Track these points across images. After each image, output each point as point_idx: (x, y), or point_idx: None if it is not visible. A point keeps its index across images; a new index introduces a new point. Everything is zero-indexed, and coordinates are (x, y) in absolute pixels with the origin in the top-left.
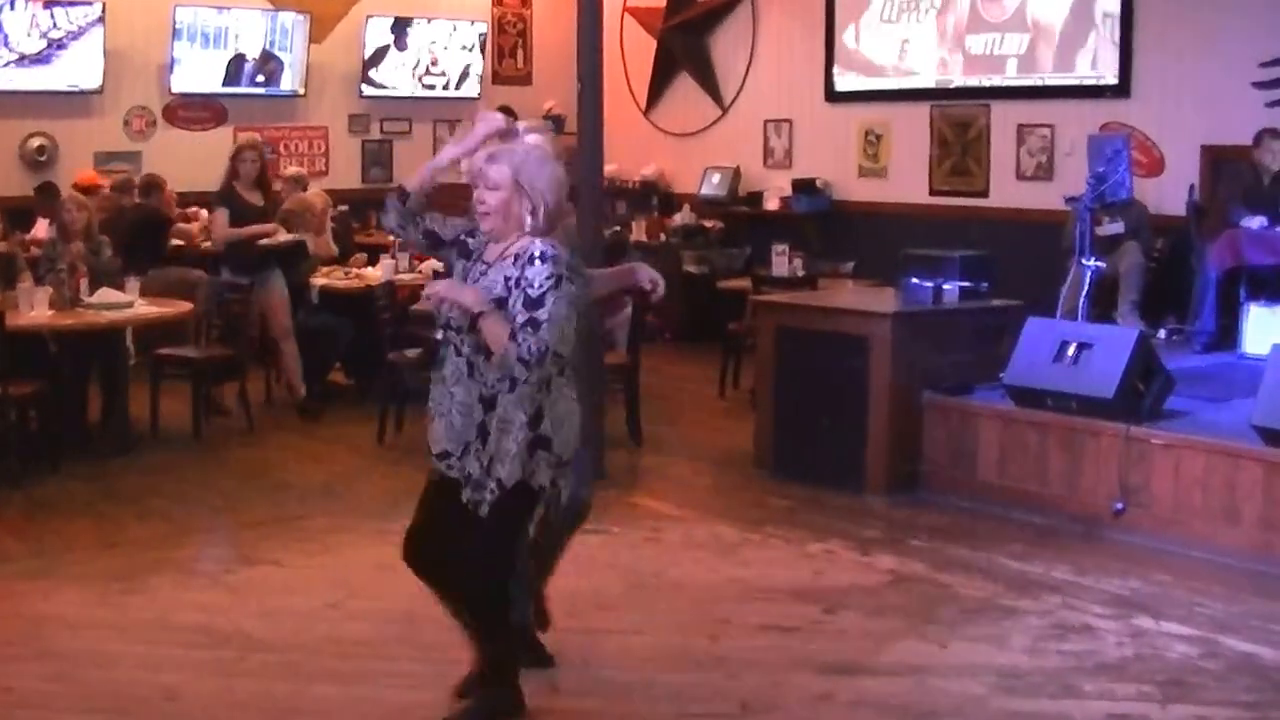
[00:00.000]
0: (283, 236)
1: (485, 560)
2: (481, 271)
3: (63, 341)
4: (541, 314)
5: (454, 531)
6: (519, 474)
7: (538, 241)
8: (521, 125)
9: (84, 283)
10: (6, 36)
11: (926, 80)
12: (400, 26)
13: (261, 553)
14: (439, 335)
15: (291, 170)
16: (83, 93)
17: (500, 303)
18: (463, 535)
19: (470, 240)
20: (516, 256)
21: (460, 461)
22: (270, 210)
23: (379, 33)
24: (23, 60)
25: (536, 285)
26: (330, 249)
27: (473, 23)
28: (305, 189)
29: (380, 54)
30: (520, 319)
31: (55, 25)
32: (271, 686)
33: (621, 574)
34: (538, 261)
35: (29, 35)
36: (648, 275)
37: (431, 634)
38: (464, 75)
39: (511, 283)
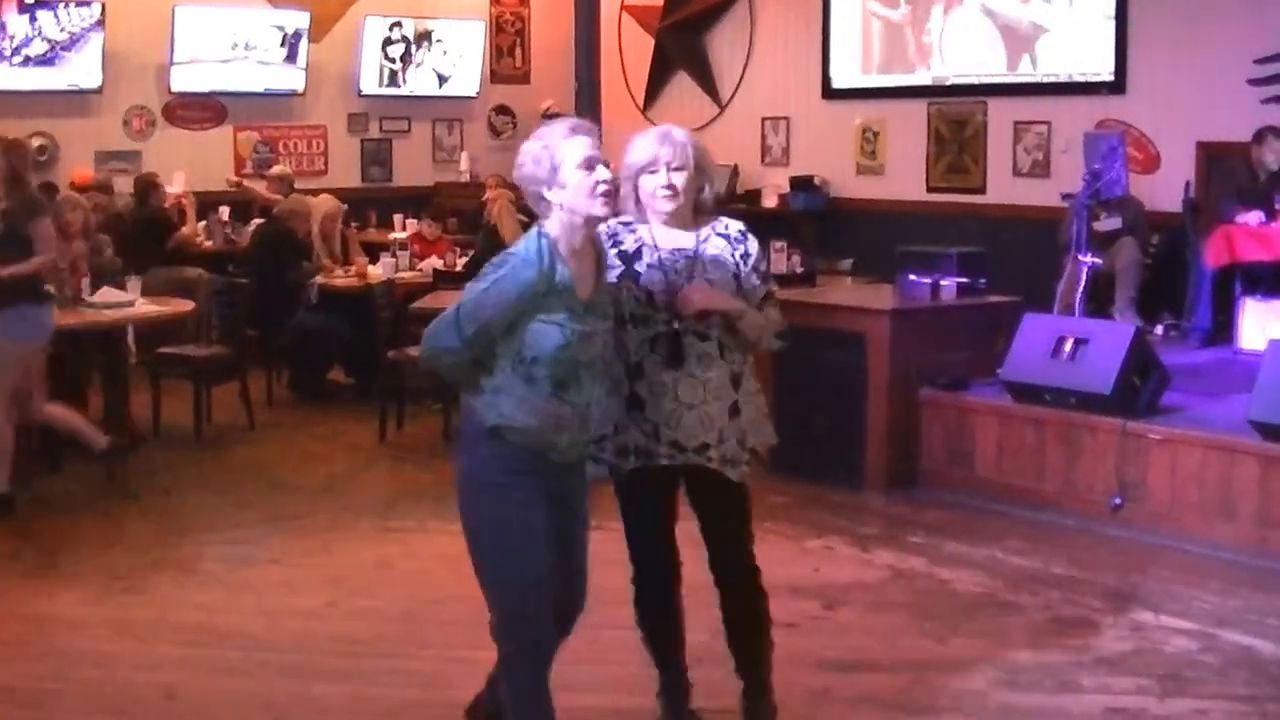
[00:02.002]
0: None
1: (745, 537)
2: (695, 254)
3: (64, 341)
4: (773, 284)
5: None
6: (773, 434)
7: (726, 219)
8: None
9: (85, 282)
10: (11, 37)
11: (923, 78)
12: (398, 26)
13: (262, 551)
14: (662, 328)
15: (276, 169)
16: (82, 92)
17: (735, 280)
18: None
19: (623, 245)
20: (728, 237)
21: (720, 449)
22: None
23: (377, 32)
24: (25, 61)
25: (759, 257)
26: (335, 253)
27: (470, 21)
28: (292, 187)
29: (379, 53)
30: (760, 293)
31: (59, 26)
32: (271, 685)
33: (621, 570)
34: (749, 237)
35: (31, 36)
36: None
37: (432, 632)
38: (462, 74)
39: (740, 259)
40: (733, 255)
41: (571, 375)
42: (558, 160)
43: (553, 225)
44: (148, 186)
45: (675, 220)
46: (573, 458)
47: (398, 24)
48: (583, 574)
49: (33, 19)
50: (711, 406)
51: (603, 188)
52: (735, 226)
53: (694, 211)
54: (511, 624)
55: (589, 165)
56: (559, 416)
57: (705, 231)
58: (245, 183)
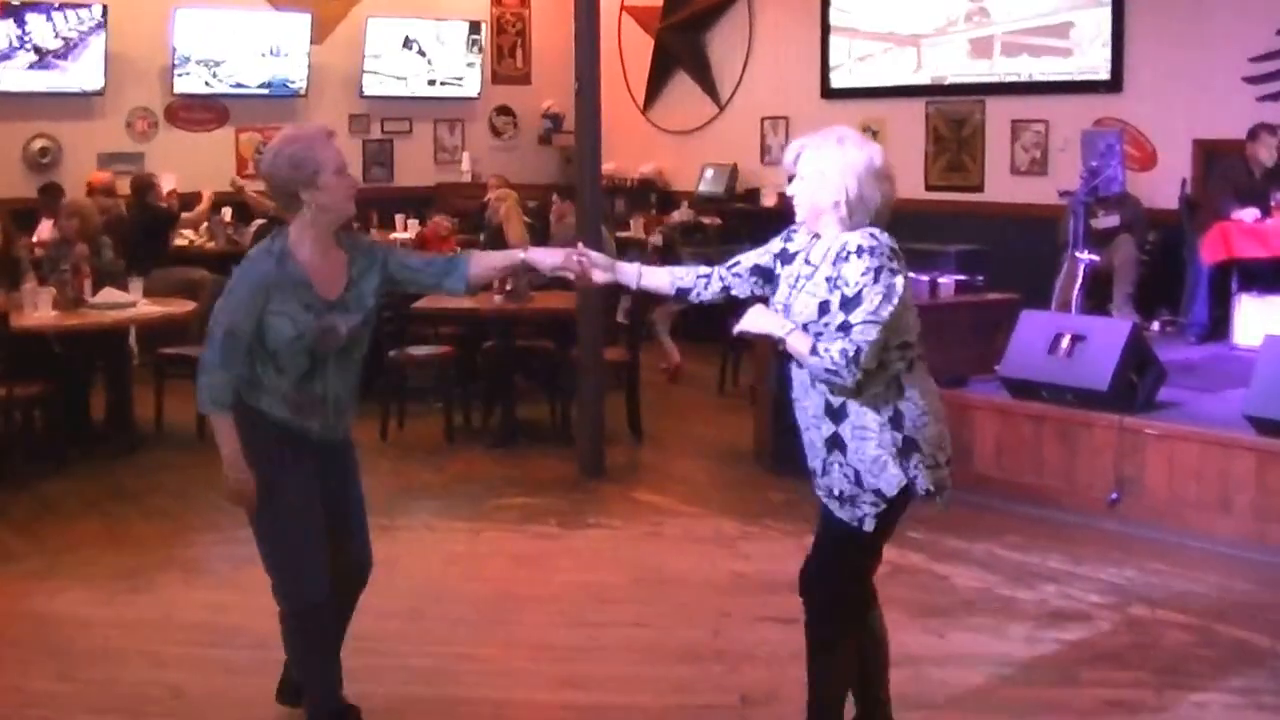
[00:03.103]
0: None
1: (845, 582)
2: (809, 275)
3: (67, 342)
4: (856, 315)
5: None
6: (900, 479)
7: (856, 235)
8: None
9: (87, 283)
10: (20, 39)
11: (922, 77)
12: (400, 27)
13: None
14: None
15: None
16: (85, 94)
17: (824, 307)
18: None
19: (789, 244)
20: (836, 254)
21: (824, 479)
22: None
23: (379, 33)
24: (28, 63)
25: (852, 284)
26: None
27: (472, 22)
28: None
29: (380, 54)
30: (835, 322)
31: (66, 26)
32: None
33: (623, 568)
34: (853, 257)
35: (33, 38)
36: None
37: (435, 630)
38: (464, 75)
39: (831, 283)
40: (829, 279)
41: (314, 366)
42: (319, 163)
43: (297, 225)
44: (145, 186)
45: (820, 230)
46: (335, 438)
47: (399, 25)
48: (362, 534)
49: (21, 23)
50: (813, 434)
51: (354, 190)
52: (853, 242)
53: (845, 221)
54: (287, 586)
55: (342, 170)
56: (308, 405)
57: (834, 248)
58: (246, 188)
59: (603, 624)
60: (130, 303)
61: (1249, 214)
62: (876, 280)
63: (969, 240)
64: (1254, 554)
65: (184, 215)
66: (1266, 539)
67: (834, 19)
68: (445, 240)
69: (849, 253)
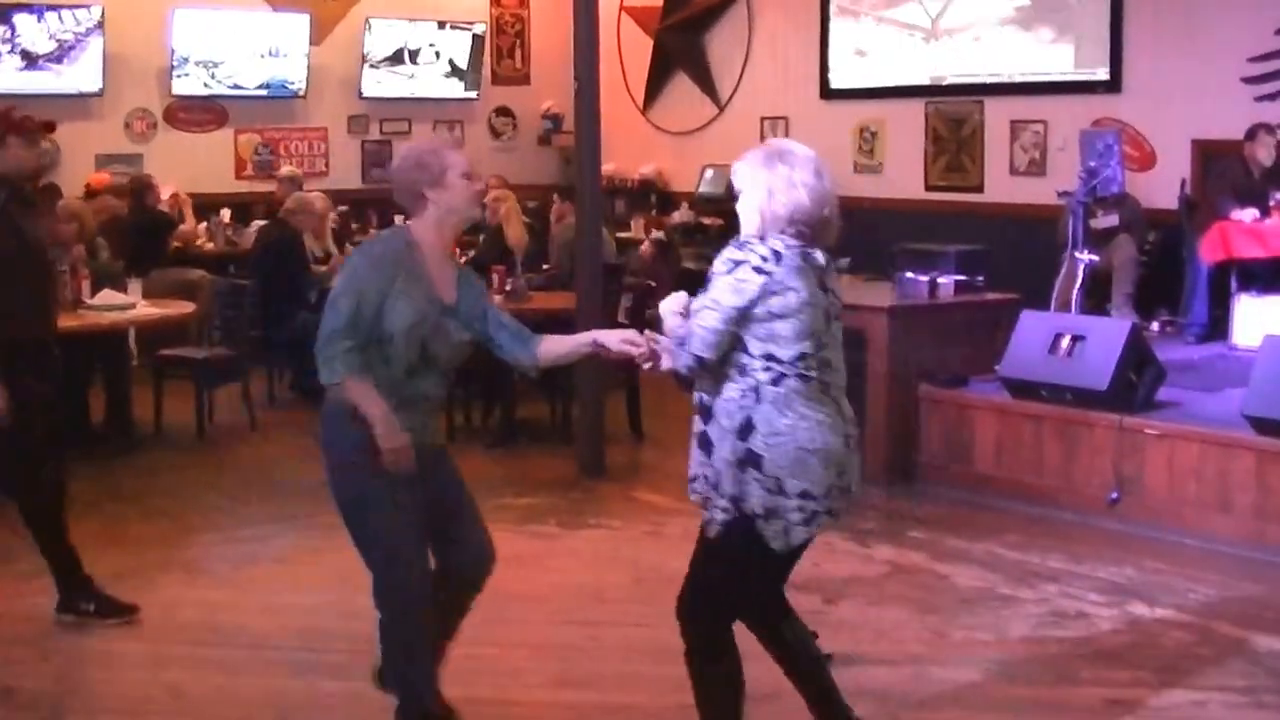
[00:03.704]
0: None
1: (696, 593)
2: None
3: (65, 343)
4: (698, 301)
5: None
6: (732, 489)
7: (745, 236)
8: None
9: (86, 285)
10: (13, 42)
11: (921, 77)
12: (399, 28)
13: (266, 550)
14: None
15: (286, 170)
16: (83, 95)
17: None
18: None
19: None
20: None
21: (693, 484)
22: None
23: (378, 34)
24: (26, 64)
25: (713, 274)
26: (330, 249)
27: (471, 24)
28: (300, 188)
29: (379, 54)
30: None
31: (62, 28)
32: (277, 684)
33: (623, 568)
34: (726, 250)
35: (34, 40)
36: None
37: None
38: (463, 76)
39: None
40: None
41: (421, 362)
42: (447, 164)
43: (420, 224)
44: (142, 188)
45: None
46: (427, 441)
47: (398, 26)
48: (477, 532)
49: (9, 25)
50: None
51: (480, 195)
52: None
53: (763, 231)
54: (386, 589)
55: (470, 175)
56: (409, 402)
57: None
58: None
59: (602, 623)
60: (129, 304)
61: (1248, 214)
62: (730, 273)
63: (968, 240)
64: (1253, 553)
65: (180, 229)
66: (1265, 538)
67: (834, 18)
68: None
69: (731, 244)
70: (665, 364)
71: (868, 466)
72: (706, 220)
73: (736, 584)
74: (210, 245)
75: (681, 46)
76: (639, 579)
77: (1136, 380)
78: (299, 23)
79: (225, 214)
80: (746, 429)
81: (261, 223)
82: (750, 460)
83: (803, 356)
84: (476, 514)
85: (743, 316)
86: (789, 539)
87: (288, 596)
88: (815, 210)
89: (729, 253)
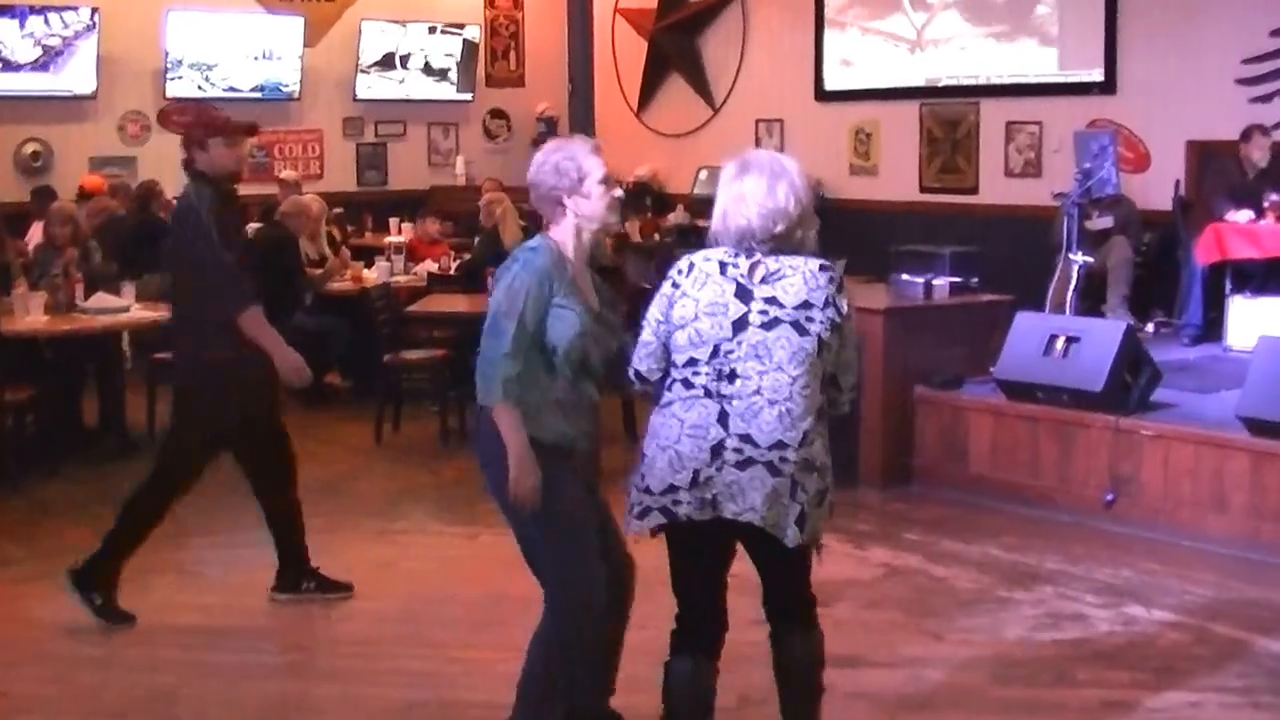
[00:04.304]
0: None
1: None
2: None
3: (58, 346)
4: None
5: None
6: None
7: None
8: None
9: (79, 288)
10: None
11: (916, 79)
12: (394, 30)
13: (260, 554)
14: None
15: (285, 174)
16: (77, 98)
17: None
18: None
19: None
20: None
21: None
22: None
23: (372, 36)
24: (18, 66)
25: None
26: (324, 252)
27: (465, 26)
28: (300, 192)
29: (373, 57)
30: None
31: (49, 32)
32: (272, 687)
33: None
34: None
35: (23, 42)
36: None
37: (431, 633)
38: (457, 78)
39: None
40: None
41: (583, 372)
42: (585, 171)
43: (559, 231)
44: (149, 195)
45: None
46: (588, 447)
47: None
48: (623, 548)
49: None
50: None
51: (618, 200)
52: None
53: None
54: (569, 596)
55: (609, 182)
56: (578, 409)
57: None
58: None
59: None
60: (123, 307)
61: (1242, 215)
62: (659, 287)
63: (963, 242)
64: (1249, 553)
65: None
66: (1261, 538)
67: (829, 20)
68: (436, 245)
69: None
70: None
71: (863, 469)
72: (702, 222)
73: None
74: None
75: (676, 48)
76: (637, 581)
77: (1132, 381)
78: (293, 25)
79: None
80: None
81: (256, 225)
82: (642, 459)
83: (690, 362)
84: (617, 525)
85: (663, 326)
86: (627, 527)
87: (282, 600)
88: (765, 229)
89: (670, 271)
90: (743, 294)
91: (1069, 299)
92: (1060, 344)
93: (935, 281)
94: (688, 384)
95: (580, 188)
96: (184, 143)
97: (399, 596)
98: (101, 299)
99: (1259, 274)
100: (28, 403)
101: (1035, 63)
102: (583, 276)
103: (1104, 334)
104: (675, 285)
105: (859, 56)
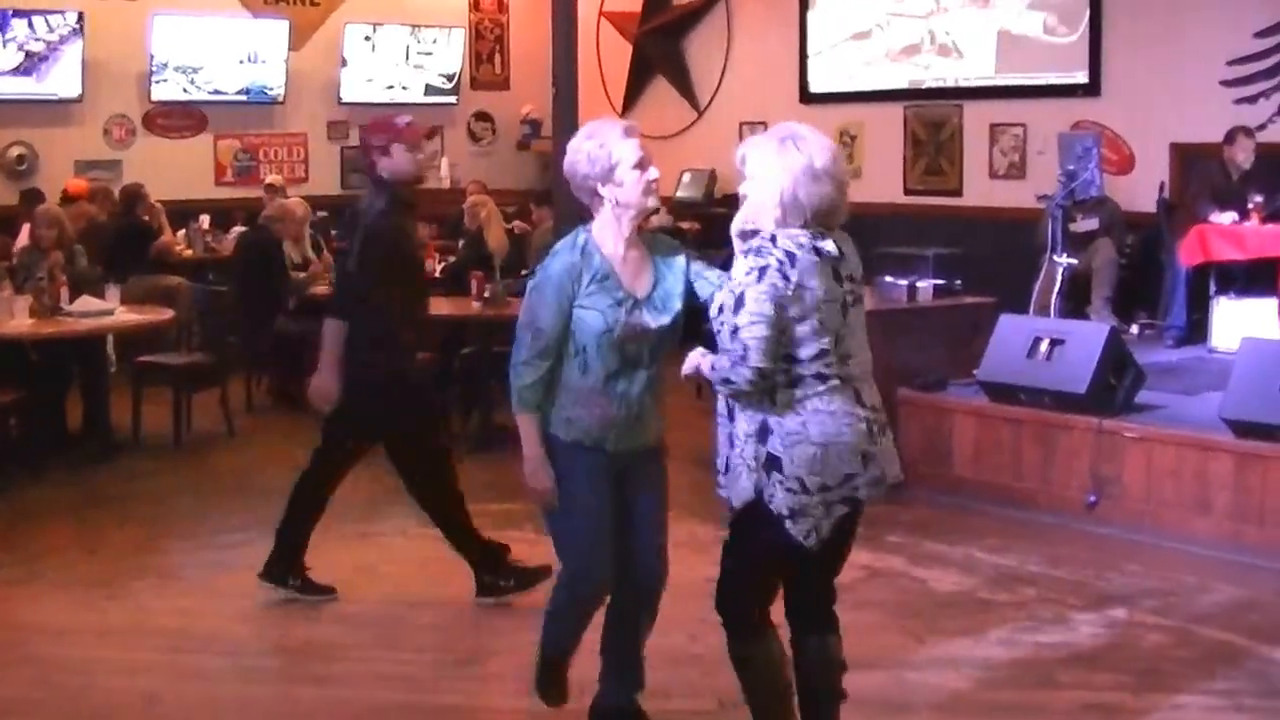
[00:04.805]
0: None
1: (724, 586)
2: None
3: (43, 349)
4: (741, 316)
5: None
6: (749, 493)
7: (777, 236)
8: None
9: (64, 291)
10: None
11: (900, 81)
12: (377, 33)
13: (242, 557)
14: None
15: (271, 178)
16: (62, 101)
17: (723, 306)
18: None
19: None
20: (746, 254)
21: (724, 478)
22: None
23: (357, 39)
24: (3, 71)
25: (738, 285)
26: (308, 255)
27: (450, 29)
28: (285, 196)
29: (358, 60)
30: (729, 327)
31: (34, 35)
32: (253, 690)
33: None
34: (741, 257)
35: (8, 46)
36: None
37: (411, 636)
38: (442, 81)
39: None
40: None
41: (621, 366)
42: (616, 159)
43: (599, 220)
44: (134, 198)
45: (761, 229)
46: (625, 448)
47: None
48: (650, 548)
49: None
50: (719, 432)
51: (655, 185)
52: (755, 243)
53: (780, 222)
54: (568, 576)
55: (643, 165)
56: (609, 408)
57: (753, 244)
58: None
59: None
60: (108, 310)
61: (1226, 217)
62: (759, 280)
63: (947, 244)
64: (1232, 555)
65: (162, 239)
66: (1244, 540)
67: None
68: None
69: (747, 253)
70: (692, 369)
71: None
72: (684, 224)
73: (762, 576)
74: (189, 251)
75: (660, 51)
76: None
77: (1115, 383)
78: (278, 28)
79: (204, 220)
80: (764, 432)
81: (241, 229)
82: (771, 463)
83: (821, 354)
84: (656, 528)
85: (779, 320)
86: (819, 534)
87: (263, 604)
88: (839, 199)
89: (750, 261)
90: (838, 276)
91: (1053, 301)
92: (1044, 346)
93: (919, 283)
94: (821, 377)
95: (613, 175)
96: (363, 149)
97: (379, 600)
98: (86, 302)
99: (1243, 276)
100: (12, 406)
101: (1019, 64)
102: (628, 261)
103: (1088, 336)
104: (785, 278)
105: (843, 59)
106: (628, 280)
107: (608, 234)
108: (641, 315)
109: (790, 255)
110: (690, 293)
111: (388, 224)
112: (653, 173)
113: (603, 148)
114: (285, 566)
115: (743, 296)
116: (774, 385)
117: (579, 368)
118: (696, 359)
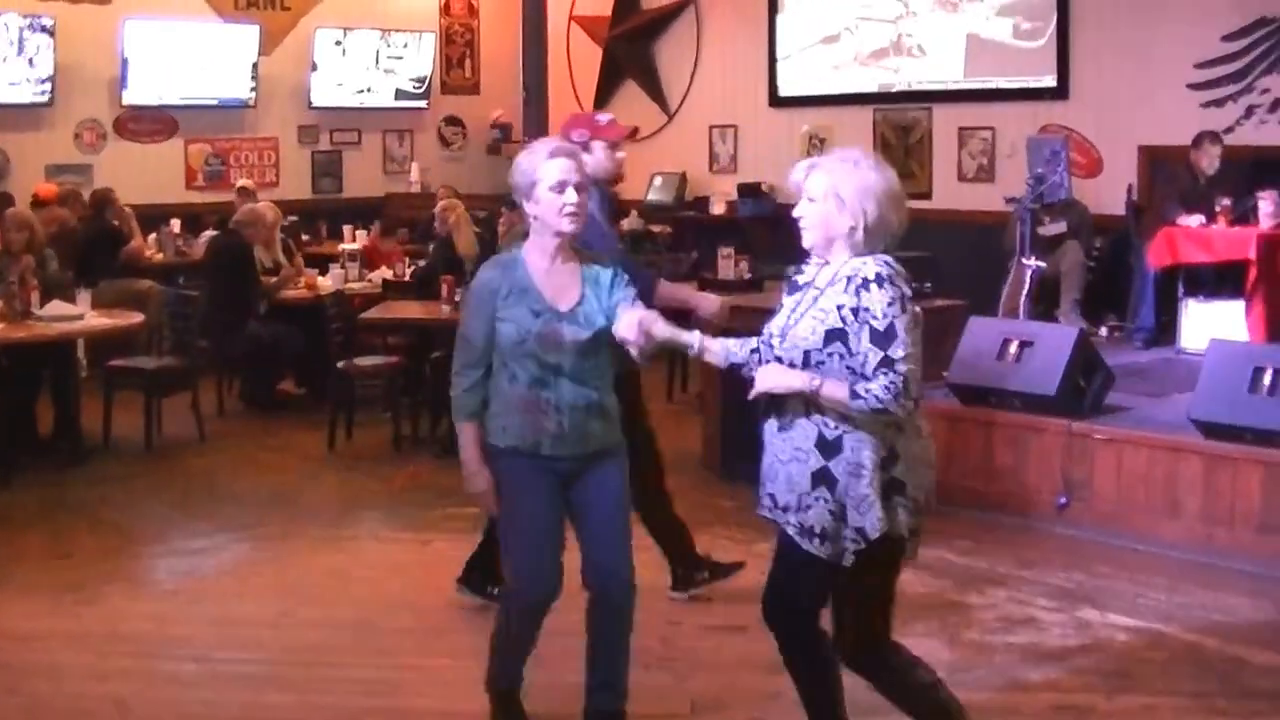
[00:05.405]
0: None
1: (860, 629)
2: (814, 300)
3: (14, 354)
4: (895, 348)
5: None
6: (883, 523)
7: (870, 261)
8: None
9: (35, 295)
10: None
11: (869, 85)
12: (348, 38)
13: (213, 562)
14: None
15: (242, 183)
16: (33, 106)
17: (834, 335)
18: (803, 592)
19: (799, 277)
20: (849, 280)
21: (799, 515)
22: None
23: (327, 44)
24: None
25: (880, 315)
26: (279, 260)
27: (420, 33)
28: (256, 200)
29: (328, 65)
30: (873, 358)
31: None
32: (224, 696)
33: (570, 578)
34: (874, 287)
35: None
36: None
37: (384, 640)
38: (412, 85)
39: (846, 311)
40: (840, 306)
41: (543, 374)
42: (537, 178)
43: (531, 233)
44: (104, 202)
45: (830, 254)
46: (564, 453)
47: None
48: (609, 549)
49: None
50: (794, 468)
51: (569, 209)
52: (869, 270)
53: (858, 246)
54: (511, 583)
55: (560, 188)
56: (537, 413)
57: (843, 273)
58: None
59: (551, 633)
60: (78, 315)
61: (1194, 220)
62: (904, 310)
63: (916, 247)
64: (1202, 556)
65: (132, 244)
66: (1214, 541)
67: (781, 27)
68: (385, 255)
69: (867, 280)
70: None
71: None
72: (655, 228)
73: (891, 602)
74: (159, 256)
75: (630, 55)
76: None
77: (1084, 386)
78: (248, 33)
79: (175, 224)
80: (891, 459)
81: (212, 233)
82: (893, 487)
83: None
84: (611, 529)
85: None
86: (914, 553)
87: (235, 608)
88: (905, 225)
89: (888, 291)
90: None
91: (1022, 303)
92: (1013, 348)
93: None
94: (916, 404)
95: (534, 193)
96: None
97: (351, 604)
98: (56, 307)
99: (1211, 278)
100: None
101: (989, 68)
102: (554, 276)
103: (1057, 338)
104: (916, 313)
105: (812, 62)
106: (550, 293)
107: (536, 247)
108: (560, 328)
109: (907, 285)
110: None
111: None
112: (570, 196)
113: (530, 164)
114: (687, 566)
115: (893, 328)
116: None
117: (508, 377)
118: (791, 379)
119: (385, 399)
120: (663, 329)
